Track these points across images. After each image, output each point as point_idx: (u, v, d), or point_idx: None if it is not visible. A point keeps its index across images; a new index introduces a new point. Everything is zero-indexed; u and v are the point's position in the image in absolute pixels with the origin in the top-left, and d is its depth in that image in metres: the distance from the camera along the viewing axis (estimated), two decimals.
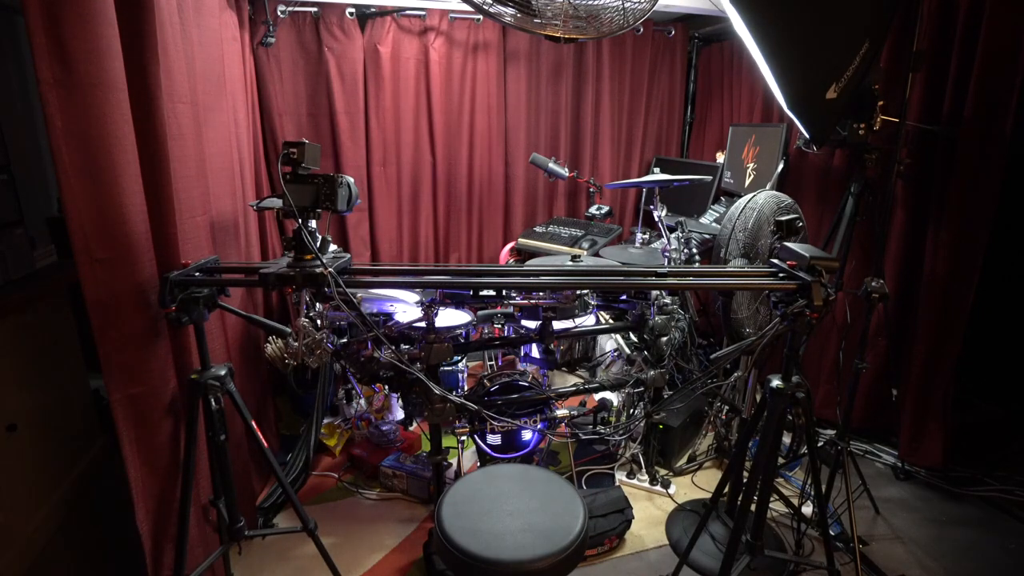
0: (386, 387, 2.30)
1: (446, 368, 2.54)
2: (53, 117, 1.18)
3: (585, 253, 2.77)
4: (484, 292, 1.98)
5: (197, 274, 1.48)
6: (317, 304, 2.06)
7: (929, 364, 2.31)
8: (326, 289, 1.36)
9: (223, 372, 1.53)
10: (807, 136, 1.74)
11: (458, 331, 2.05)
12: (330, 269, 1.36)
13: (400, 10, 2.89)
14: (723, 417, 2.50)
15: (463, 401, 1.80)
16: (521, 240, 3.08)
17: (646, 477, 2.36)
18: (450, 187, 3.27)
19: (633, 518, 2.05)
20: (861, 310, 2.08)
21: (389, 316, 2.07)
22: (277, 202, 1.56)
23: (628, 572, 1.94)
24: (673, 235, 2.36)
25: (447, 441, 2.04)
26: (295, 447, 2.39)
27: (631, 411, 2.40)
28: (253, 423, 1.61)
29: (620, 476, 2.40)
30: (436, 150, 3.18)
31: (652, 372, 2.19)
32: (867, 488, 2.21)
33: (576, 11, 1.51)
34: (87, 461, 2.10)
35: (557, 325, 2.17)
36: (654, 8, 1.54)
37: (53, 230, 2.26)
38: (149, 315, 1.41)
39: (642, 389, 2.25)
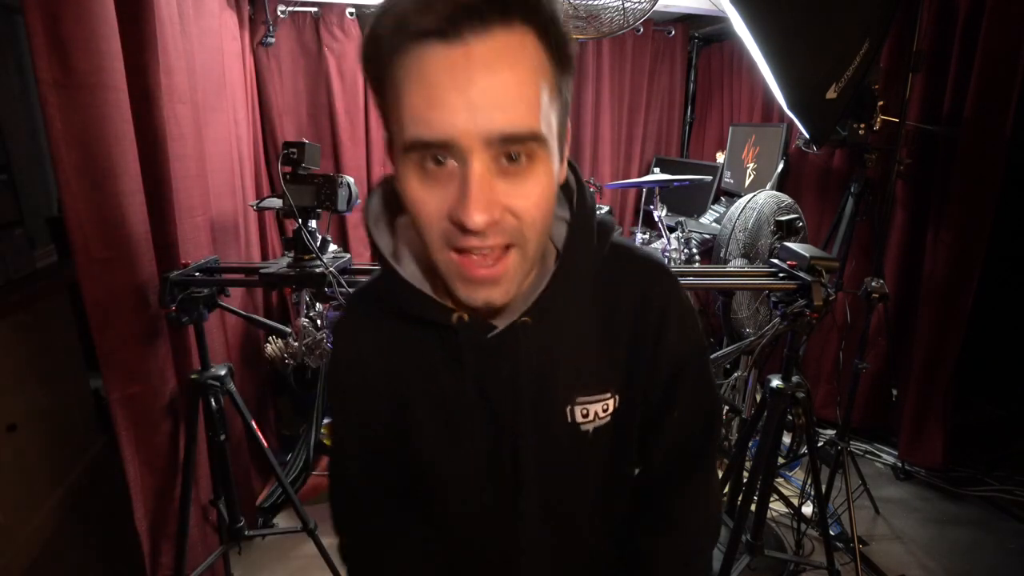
0: None
1: None
2: (53, 117, 1.18)
3: None
4: None
5: (197, 274, 1.48)
6: (317, 304, 2.06)
7: (929, 364, 2.31)
8: (326, 289, 1.36)
9: (223, 372, 1.54)
10: (807, 136, 1.74)
11: None
12: (331, 269, 1.36)
13: None
14: (723, 417, 2.50)
15: None
16: None
17: None
18: None
19: None
20: (861, 310, 2.08)
21: None
22: (277, 202, 1.56)
23: None
24: (673, 235, 2.36)
25: None
26: (295, 447, 2.39)
27: None
28: (253, 423, 1.61)
29: None
30: None
31: None
32: (867, 488, 2.20)
33: (576, 11, 1.51)
34: (87, 461, 2.10)
35: None
36: (654, 8, 1.54)
37: (53, 230, 2.26)
38: (149, 315, 1.41)
39: None
